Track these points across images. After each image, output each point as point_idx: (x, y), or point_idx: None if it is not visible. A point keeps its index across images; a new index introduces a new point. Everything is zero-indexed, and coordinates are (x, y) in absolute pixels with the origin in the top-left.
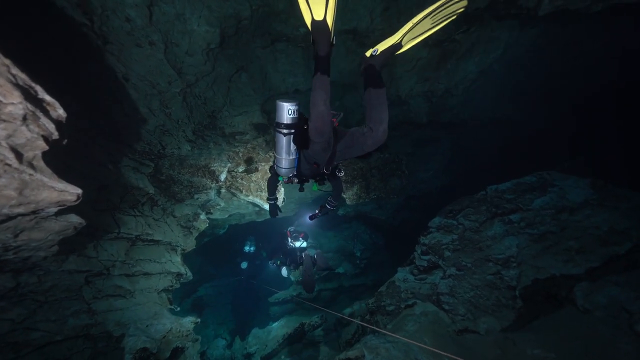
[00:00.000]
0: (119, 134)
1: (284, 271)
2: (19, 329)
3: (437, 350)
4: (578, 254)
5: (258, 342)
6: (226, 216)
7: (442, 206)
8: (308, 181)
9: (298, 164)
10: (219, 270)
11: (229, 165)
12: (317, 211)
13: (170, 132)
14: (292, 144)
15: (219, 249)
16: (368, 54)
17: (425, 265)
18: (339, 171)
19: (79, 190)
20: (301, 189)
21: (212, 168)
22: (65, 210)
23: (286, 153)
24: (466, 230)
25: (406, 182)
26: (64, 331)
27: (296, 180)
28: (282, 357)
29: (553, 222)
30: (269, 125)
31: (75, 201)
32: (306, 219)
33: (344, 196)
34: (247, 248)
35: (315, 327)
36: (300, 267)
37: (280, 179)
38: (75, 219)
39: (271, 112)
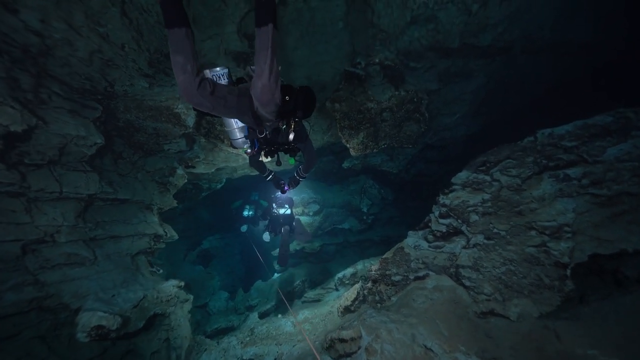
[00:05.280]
0: (36, 63)
1: (266, 236)
2: None
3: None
4: None
5: (260, 295)
6: (213, 170)
7: (468, 158)
8: (273, 155)
9: (248, 130)
10: (224, 223)
11: None
12: (286, 183)
13: (115, 62)
14: None
15: (220, 202)
16: None
17: (444, 230)
18: (290, 132)
19: None
20: (278, 163)
21: (177, 110)
22: None
23: (234, 123)
24: (503, 188)
25: (425, 128)
26: None
27: (257, 152)
28: (279, 315)
29: (634, 180)
30: (251, 55)
31: None
32: (281, 194)
33: (348, 146)
34: (245, 213)
35: (316, 284)
36: (279, 235)
37: (242, 151)
38: None
39: (252, 38)
